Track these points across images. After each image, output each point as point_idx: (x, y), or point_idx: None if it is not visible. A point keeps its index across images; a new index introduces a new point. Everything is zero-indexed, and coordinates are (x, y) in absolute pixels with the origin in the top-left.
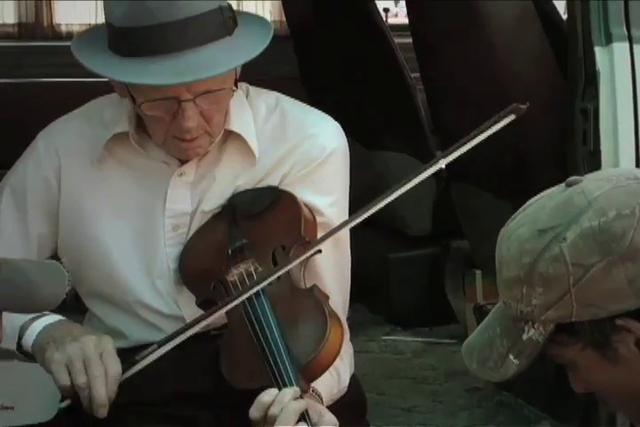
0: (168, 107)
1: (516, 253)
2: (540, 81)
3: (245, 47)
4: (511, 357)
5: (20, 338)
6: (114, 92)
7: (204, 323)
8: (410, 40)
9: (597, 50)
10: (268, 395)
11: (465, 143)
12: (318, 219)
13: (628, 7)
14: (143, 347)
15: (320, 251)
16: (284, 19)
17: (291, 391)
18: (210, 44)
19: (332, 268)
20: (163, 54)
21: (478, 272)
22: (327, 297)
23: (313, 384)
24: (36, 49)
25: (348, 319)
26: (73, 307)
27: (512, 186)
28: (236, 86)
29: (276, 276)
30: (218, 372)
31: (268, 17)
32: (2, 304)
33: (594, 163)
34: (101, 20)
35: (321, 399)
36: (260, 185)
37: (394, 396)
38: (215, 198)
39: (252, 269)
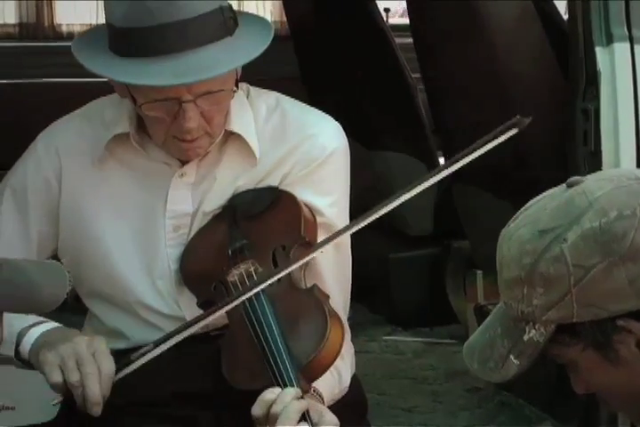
0: (169, 107)
1: (517, 253)
2: (541, 81)
3: (246, 48)
4: (512, 357)
5: (17, 345)
6: (114, 93)
7: (201, 323)
8: (410, 40)
9: (598, 50)
10: (270, 393)
11: (468, 154)
12: (318, 219)
13: (629, 7)
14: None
15: (321, 251)
16: (284, 19)
17: (292, 391)
18: (210, 45)
19: (332, 267)
20: (163, 55)
21: (479, 272)
22: (327, 297)
23: (314, 384)
24: (37, 49)
25: (348, 319)
26: (73, 307)
27: (513, 186)
28: (237, 87)
29: (275, 278)
30: (218, 372)
31: (268, 17)
32: (2, 304)
33: (595, 163)
34: (102, 20)
35: (322, 399)
36: (260, 185)
37: (394, 396)
38: (216, 199)
39: (252, 269)
